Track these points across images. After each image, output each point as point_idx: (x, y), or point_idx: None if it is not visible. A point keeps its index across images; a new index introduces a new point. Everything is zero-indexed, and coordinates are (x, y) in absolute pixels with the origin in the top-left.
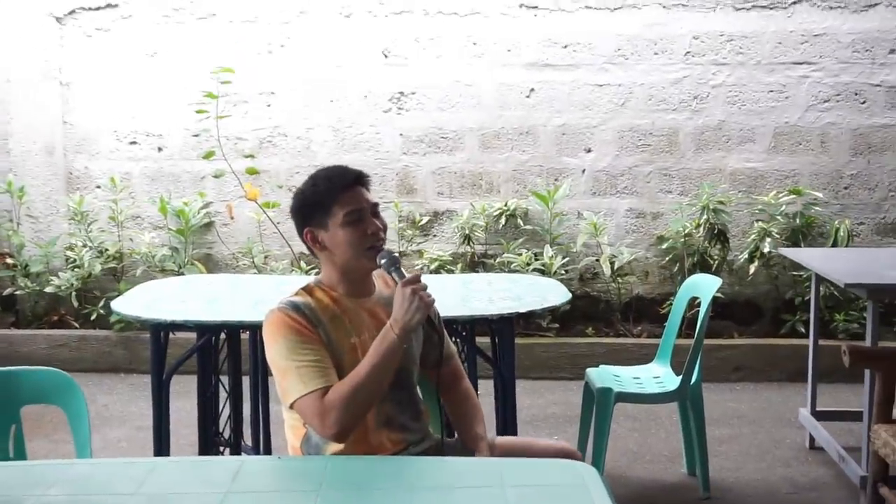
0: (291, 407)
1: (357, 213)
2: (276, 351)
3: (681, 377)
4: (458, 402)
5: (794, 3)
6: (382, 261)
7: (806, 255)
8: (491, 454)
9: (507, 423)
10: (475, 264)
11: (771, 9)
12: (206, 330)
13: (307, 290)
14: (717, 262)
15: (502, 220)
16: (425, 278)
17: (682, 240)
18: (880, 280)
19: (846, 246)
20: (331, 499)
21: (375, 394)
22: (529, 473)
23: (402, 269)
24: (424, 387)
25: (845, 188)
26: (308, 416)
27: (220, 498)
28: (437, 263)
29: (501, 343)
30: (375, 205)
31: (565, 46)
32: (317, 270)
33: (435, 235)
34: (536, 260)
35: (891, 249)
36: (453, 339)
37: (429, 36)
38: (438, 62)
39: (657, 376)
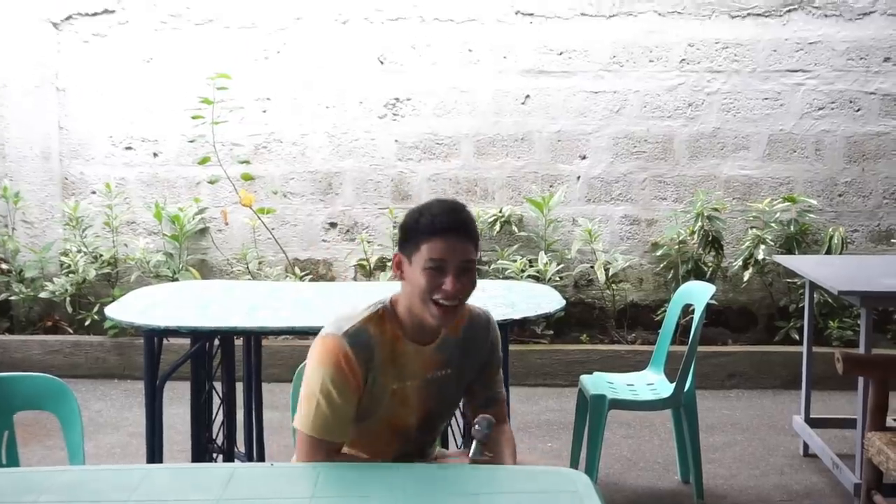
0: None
1: (439, 263)
2: (313, 376)
3: (675, 384)
4: (496, 442)
5: (790, 10)
6: (477, 428)
7: (800, 263)
8: None
9: None
10: None
11: (766, 16)
12: (199, 336)
13: (380, 315)
14: (711, 269)
15: (497, 227)
16: None
17: (677, 247)
18: (874, 287)
19: (840, 253)
20: None
21: None
22: (522, 480)
23: (484, 449)
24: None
25: (840, 195)
26: (300, 453)
27: None
28: None
29: None
30: (469, 261)
31: (561, 53)
32: (311, 277)
33: None
34: (531, 266)
35: (885, 257)
36: None
37: (425, 42)
38: (434, 69)
39: (651, 383)
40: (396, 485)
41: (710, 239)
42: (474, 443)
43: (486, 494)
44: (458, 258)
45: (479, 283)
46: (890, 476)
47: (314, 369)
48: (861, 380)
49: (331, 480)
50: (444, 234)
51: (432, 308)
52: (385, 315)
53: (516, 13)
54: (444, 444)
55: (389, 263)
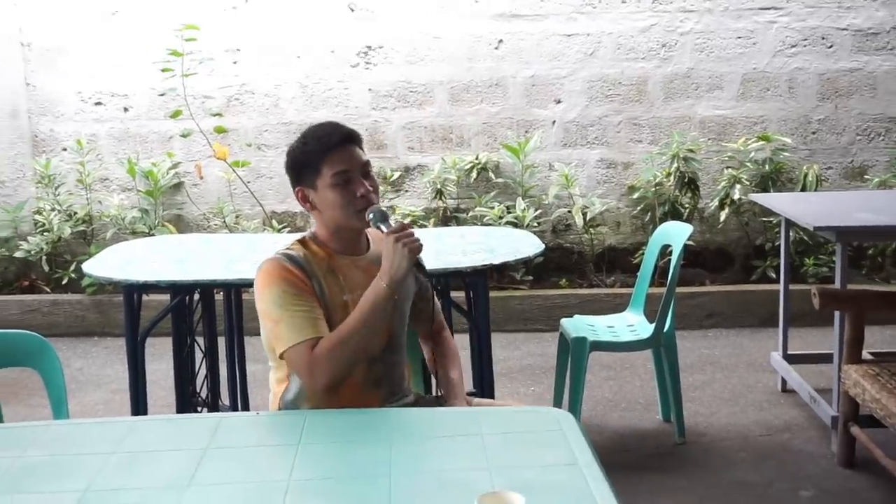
0: (281, 357)
1: (345, 175)
2: (269, 299)
3: (654, 324)
4: (438, 350)
5: None
6: (370, 215)
7: (775, 201)
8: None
9: (483, 375)
10: (448, 219)
11: None
12: (179, 290)
13: (303, 242)
14: (688, 210)
15: (474, 174)
16: None
17: (653, 189)
18: (849, 222)
19: (815, 190)
20: (310, 452)
21: (364, 346)
22: (507, 421)
23: (391, 221)
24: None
25: (813, 133)
26: (297, 367)
27: (199, 454)
28: (409, 219)
29: (475, 295)
30: (366, 163)
31: None
32: (289, 230)
33: (406, 191)
34: (509, 213)
35: (859, 192)
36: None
37: None
38: (406, 15)
39: (631, 324)
40: (382, 429)
41: (686, 180)
42: (381, 225)
43: (472, 436)
44: (357, 163)
45: (459, 229)
46: (866, 408)
47: (266, 294)
48: (837, 314)
49: (317, 427)
50: (336, 148)
51: (359, 215)
52: (308, 241)
53: None
54: (427, 390)
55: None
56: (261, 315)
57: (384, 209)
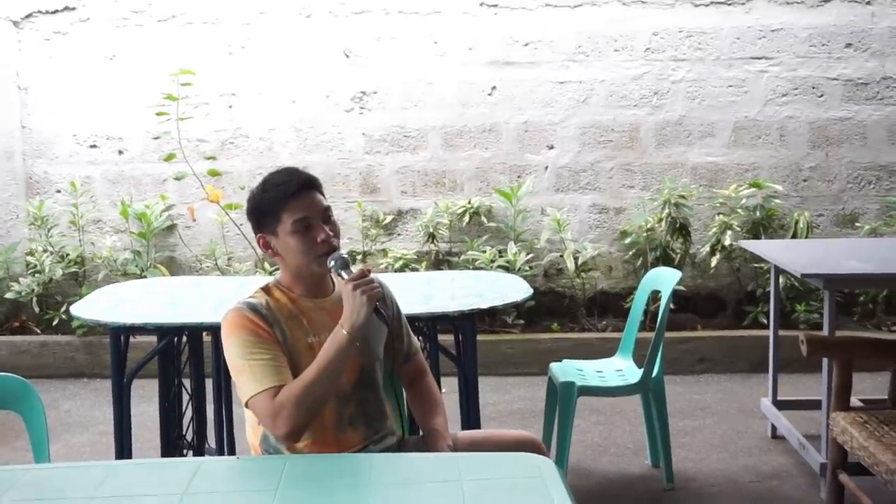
0: (246, 405)
1: (305, 221)
2: (231, 350)
3: (642, 369)
4: (420, 396)
5: None
6: (332, 263)
7: (766, 247)
8: (454, 448)
9: (470, 419)
10: (440, 262)
11: (729, 4)
12: (166, 332)
13: (266, 289)
14: (679, 255)
15: (466, 218)
16: (387, 277)
17: (645, 234)
18: (836, 270)
19: (806, 237)
20: (289, 497)
21: (326, 393)
22: (487, 467)
23: (352, 269)
24: (388, 384)
25: (804, 181)
26: (260, 415)
27: (176, 499)
28: (401, 262)
29: (464, 339)
30: (327, 209)
31: (526, 44)
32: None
33: (399, 234)
34: (501, 257)
35: (849, 240)
36: (416, 336)
37: (390, 35)
38: (400, 61)
39: (620, 369)
40: (362, 474)
41: (677, 226)
42: (342, 272)
43: (452, 482)
44: (317, 209)
45: (449, 273)
46: (854, 455)
47: (229, 344)
48: (825, 361)
49: (296, 472)
50: (296, 196)
51: (320, 260)
52: (271, 288)
53: (481, 5)
54: (414, 431)
55: (359, 257)
56: (228, 365)
57: (345, 256)
